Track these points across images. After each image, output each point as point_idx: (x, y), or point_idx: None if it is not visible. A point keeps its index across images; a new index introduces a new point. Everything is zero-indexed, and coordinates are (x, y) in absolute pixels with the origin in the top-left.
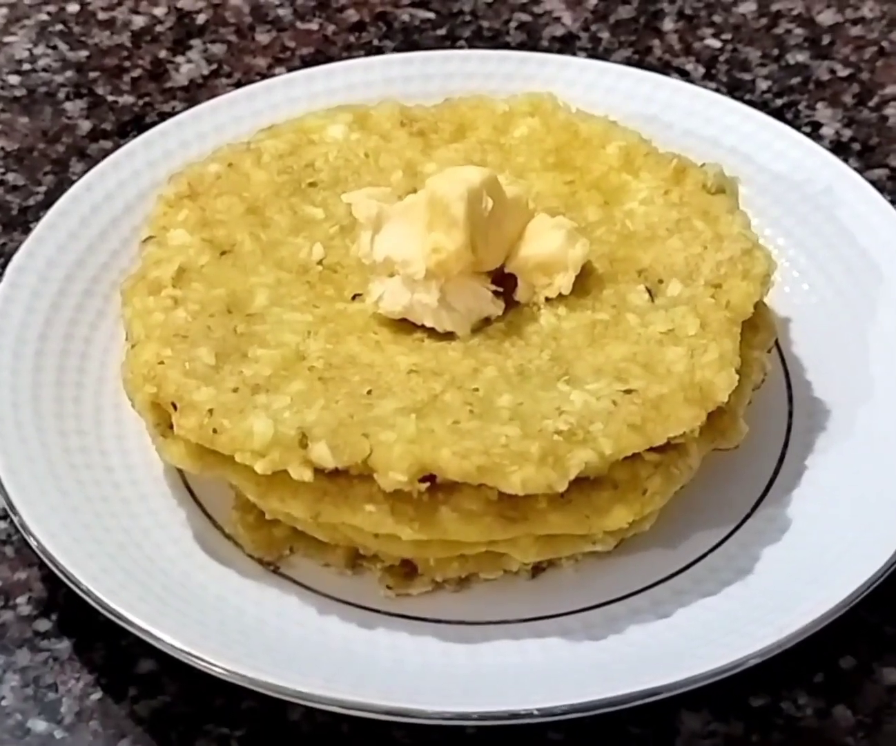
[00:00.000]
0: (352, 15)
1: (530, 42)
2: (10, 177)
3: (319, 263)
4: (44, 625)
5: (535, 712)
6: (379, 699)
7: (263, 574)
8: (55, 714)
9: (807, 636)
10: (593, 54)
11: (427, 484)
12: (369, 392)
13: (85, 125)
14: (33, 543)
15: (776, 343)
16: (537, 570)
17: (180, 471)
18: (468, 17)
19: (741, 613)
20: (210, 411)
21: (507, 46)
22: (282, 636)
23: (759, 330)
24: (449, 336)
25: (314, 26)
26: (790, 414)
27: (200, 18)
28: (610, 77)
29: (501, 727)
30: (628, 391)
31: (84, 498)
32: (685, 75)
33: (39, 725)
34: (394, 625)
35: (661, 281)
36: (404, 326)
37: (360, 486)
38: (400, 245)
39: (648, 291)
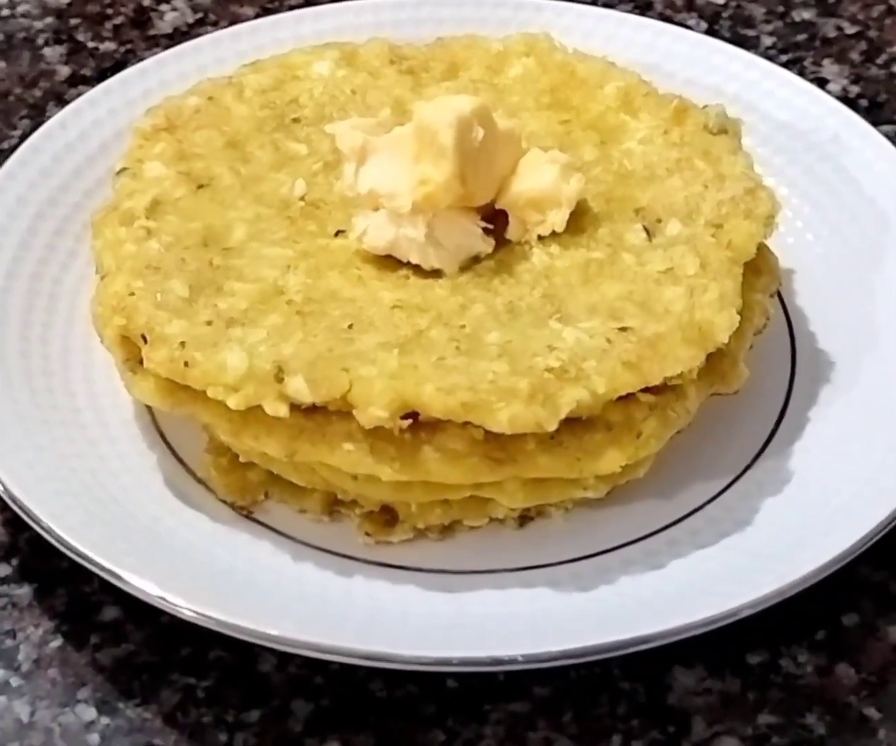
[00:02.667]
0: None
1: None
2: None
3: (301, 198)
4: (3, 570)
5: (520, 658)
6: (355, 643)
7: (236, 520)
8: (12, 662)
9: (806, 586)
10: (593, 3)
11: (409, 421)
12: (350, 327)
13: (64, 71)
14: None
15: (779, 295)
16: (525, 519)
17: (151, 414)
18: None
19: (738, 563)
20: (182, 343)
21: None
22: (254, 583)
23: (761, 273)
24: (436, 274)
25: None
26: (793, 365)
27: None
28: (609, 24)
29: (484, 680)
30: (623, 329)
31: (50, 439)
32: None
33: None
34: (372, 574)
35: (659, 220)
36: (389, 262)
37: (338, 423)
38: (386, 177)
39: (646, 229)
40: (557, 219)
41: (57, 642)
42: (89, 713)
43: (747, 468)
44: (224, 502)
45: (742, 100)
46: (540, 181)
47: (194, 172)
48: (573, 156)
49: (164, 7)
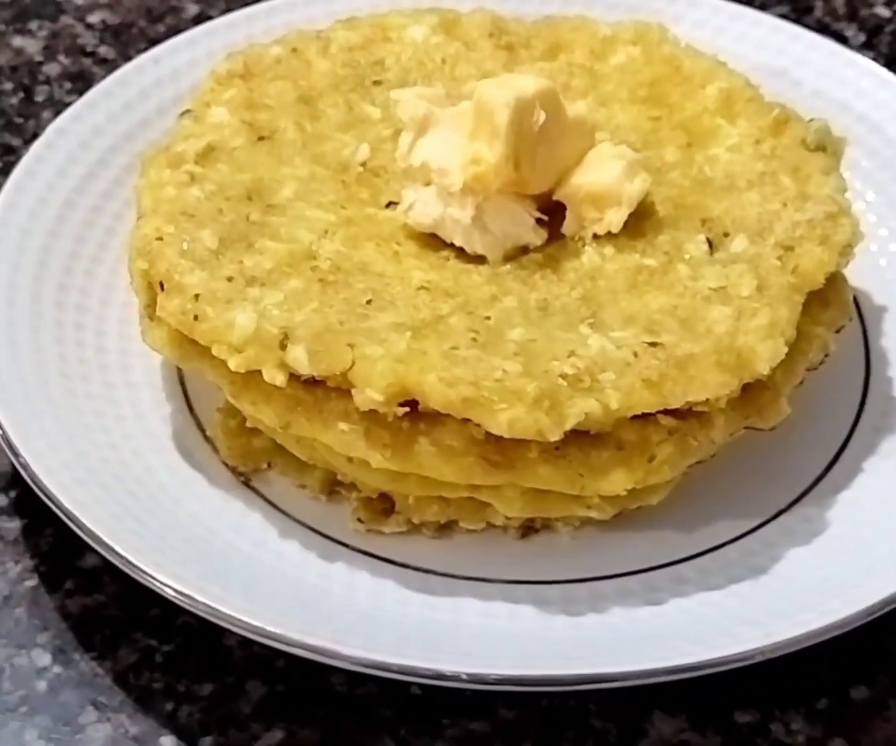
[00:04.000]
0: None
1: None
2: (103, 50)
3: (363, 164)
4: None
5: (464, 676)
6: (300, 633)
7: (232, 485)
8: None
9: (795, 649)
10: (750, 4)
11: (406, 409)
12: (368, 302)
13: (192, 9)
14: None
15: (863, 331)
16: (529, 530)
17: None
18: None
19: (739, 613)
20: (196, 296)
21: None
22: (232, 553)
23: (829, 305)
24: (479, 259)
25: None
26: (861, 409)
27: None
28: (743, 22)
29: (449, 693)
30: (653, 344)
31: (58, 373)
32: (843, 41)
33: None
34: (355, 562)
35: (726, 234)
36: (433, 241)
37: (337, 401)
38: (441, 152)
39: (709, 242)
40: (615, 219)
41: (32, 581)
42: (44, 659)
43: (781, 512)
44: (226, 465)
45: (869, 119)
46: (602, 176)
47: (257, 123)
48: (655, 155)
49: None
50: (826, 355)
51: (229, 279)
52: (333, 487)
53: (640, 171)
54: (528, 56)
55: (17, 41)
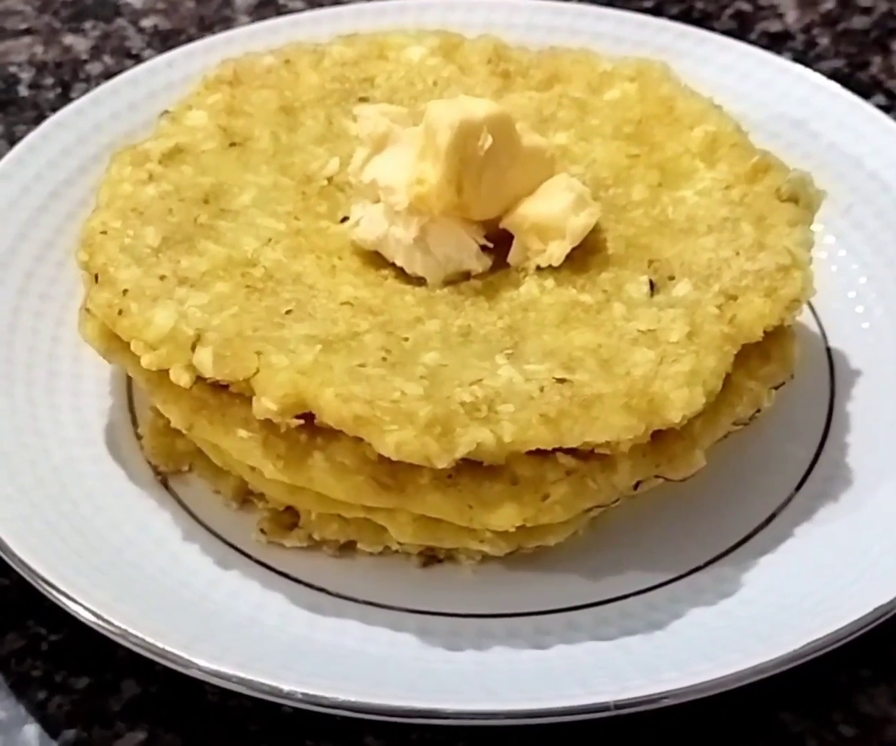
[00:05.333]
0: None
1: (739, 32)
2: (147, 53)
3: (329, 178)
4: None
5: (300, 695)
6: (176, 645)
7: (150, 483)
8: None
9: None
10: (802, 57)
11: (301, 421)
12: (288, 312)
13: (243, 20)
14: None
15: (831, 387)
16: (432, 559)
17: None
18: None
19: (618, 664)
20: (124, 291)
21: (712, 30)
22: (128, 549)
23: (770, 360)
24: (418, 282)
25: None
26: (810, 468)
27: None
28: (769, 70)
29: (319, 715)
30: (562, 380)
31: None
32: (893, 98)
33: None
34: (250, 572)
35: (671, 277)
36: (376, 260)
37: (240, 408)
38: (391, 171)
39: (651, 283)
40: (557, 251)
41: None
42: None
43: (696, 569)
44: (149, 463)
45: (879, 178)
46: (549, 207)
47: (232, 129)
48: (622, 192)
49: None
50: (758, 411)
51: (161, 278)
52: (246, 496)
53: (589, 205)
54: (524, 84)
55: (69, 39)
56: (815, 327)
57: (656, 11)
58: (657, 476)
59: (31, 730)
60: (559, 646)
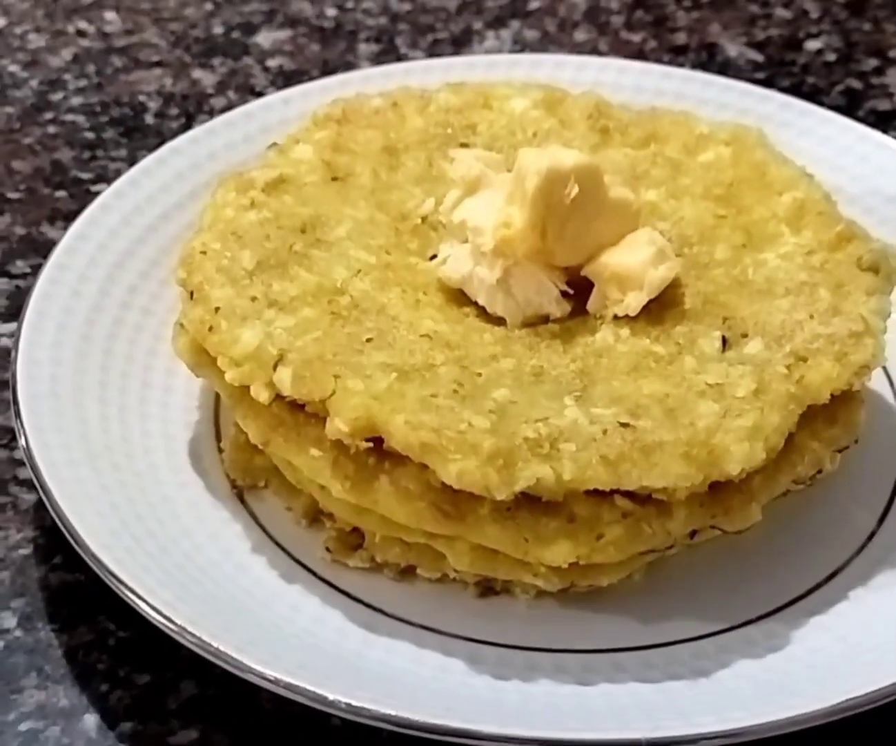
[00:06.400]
0: (679, 38)
1: (847, 108)
2: (270, 92)
3: (423, 217)
4: (23, 473)
5: (344, 704)
6: (232, 648)
7: (226, 496)
8: None
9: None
10: None
11: (370, 444)
12: (368, 340)
13: (364, 66)
14: None
15: None
16: (489, 590)
17: None
18: (796, 69)
19: (657, 707)
20: (216, 309)
21: (821, 104)
22: (196, 555)
23: (835, 423)
24: (498, 321)
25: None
26: (871, 535)
27: None
28: (868, 145)
29: (367, 727)
30: (625, 425)
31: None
32: None
33: None
34: (312, 587)
35: (744, 335)
36: (460, 298)
37: (314, 428)
38: (480, 213)
39: (724, 340)
40: (633, 302)
41: (26, 550)
42: (10, 621)
43: (748, 622)
44: (228, 477)
45: None
46: (629, 259)
47: (336, 164)
48: (705, 250)
49: (488, 33)
50: (819, 472)
51: (253, 299)
52: (316, 515)
53: (669, 259)
54: (621, 141)
55: (197, 73)
56: (888, 395)
57: (768, 83)
58: (713, 527)
59: (91, 720)
60: (603, 685)
